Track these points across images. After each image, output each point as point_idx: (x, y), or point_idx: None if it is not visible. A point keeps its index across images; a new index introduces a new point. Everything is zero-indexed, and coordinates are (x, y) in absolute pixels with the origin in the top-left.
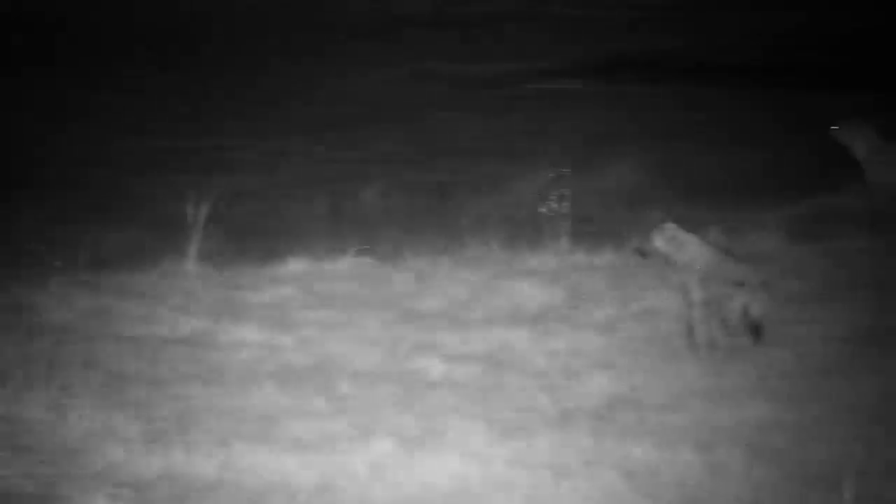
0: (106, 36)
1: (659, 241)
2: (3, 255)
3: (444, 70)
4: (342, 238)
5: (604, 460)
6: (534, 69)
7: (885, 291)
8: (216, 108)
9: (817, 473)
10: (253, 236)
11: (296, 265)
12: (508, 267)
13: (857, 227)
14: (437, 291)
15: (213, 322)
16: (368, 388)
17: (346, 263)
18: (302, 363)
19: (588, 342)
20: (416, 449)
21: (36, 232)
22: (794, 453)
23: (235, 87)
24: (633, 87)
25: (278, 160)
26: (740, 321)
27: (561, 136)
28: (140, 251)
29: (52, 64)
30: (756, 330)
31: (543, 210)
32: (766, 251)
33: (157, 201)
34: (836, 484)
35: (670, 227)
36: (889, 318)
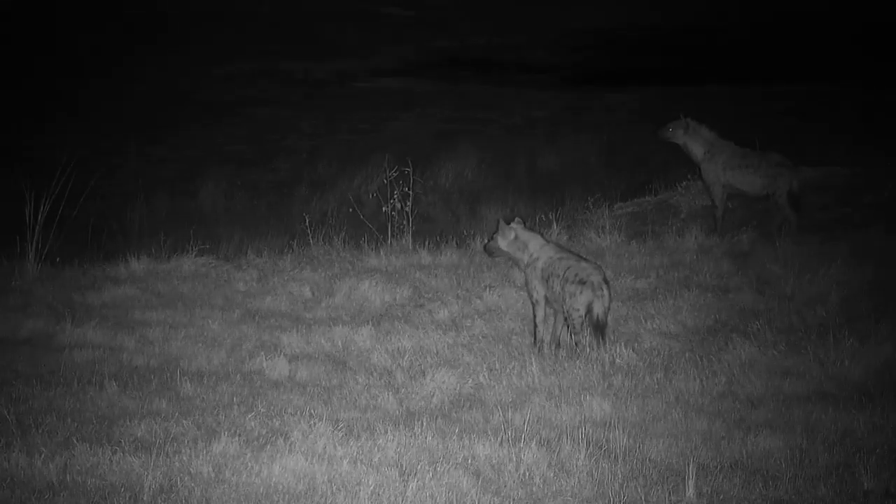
0: None
1: (502, 240)
2: None
3: (285, 68)
4: (183, 238)
5: (450, 459)
6: (374, 67)
7: (720, 289)
8: (48, 110)
9: (660, 469)
10: (93, 236)
11: (137, 265)
12: (352, 266)
13: (693, 224)
14: (279, 291)
15: (53, 323)
16: (212, 388)
17: (187, 263)
18: (144, 363)
19: (433, 341)
20: (260, 449)
21: None
22: (637, 449)
23: (69, 88)
24: (471, 84)
25: (117, 160)
26: (583, 319)
27: (402, 134)
28: None
29: None
30: (599, 327)
31: (386, 209)
32: (604, 248)
33: None
34: (678, 479)
35: (513, 226)
36: (724, 314)
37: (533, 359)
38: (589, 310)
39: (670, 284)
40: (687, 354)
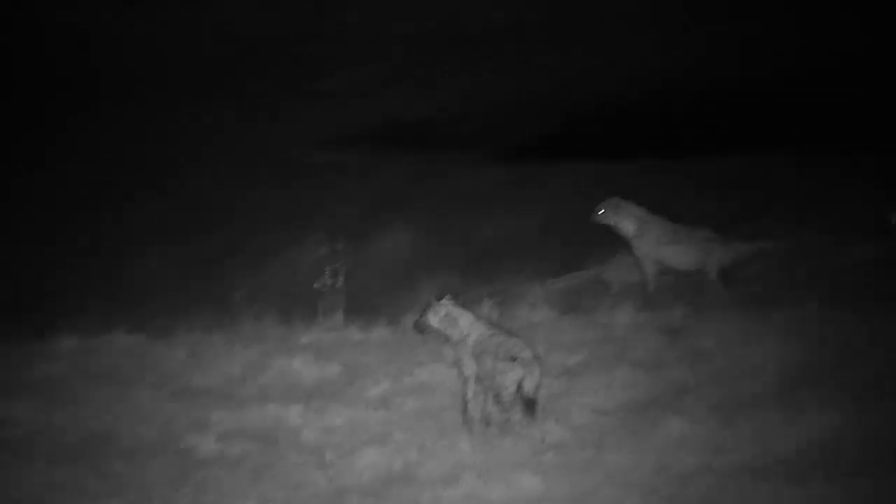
0: None
1: (433, 317)
2: None
3: (218, 140)
4: (115, 314)
5: None
6: (309, 140)
7: (652, 364)
8: None
9: None
10: (25, 312)
11: (68, 341)
12: (282, 342)
13: (625, 300)
14: (210, 367)
15: None
16: (142, 465)
17: (118, 340)
18: (74, 440)
19: (363, 418)
20: None
21: None
22: None
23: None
24: (406, 157)
25: (48, 234)
26: (514, 396)
27: (335, 208)
28: None
29: None
30: (529, 404)
31: (318, 285)
32: (536, 324)
33: None
34: None
35: (444, 303)
36: (656, 389)
37: (464, 436)
38: (520, 387)
39: (602, 360)
40: (618, 430)
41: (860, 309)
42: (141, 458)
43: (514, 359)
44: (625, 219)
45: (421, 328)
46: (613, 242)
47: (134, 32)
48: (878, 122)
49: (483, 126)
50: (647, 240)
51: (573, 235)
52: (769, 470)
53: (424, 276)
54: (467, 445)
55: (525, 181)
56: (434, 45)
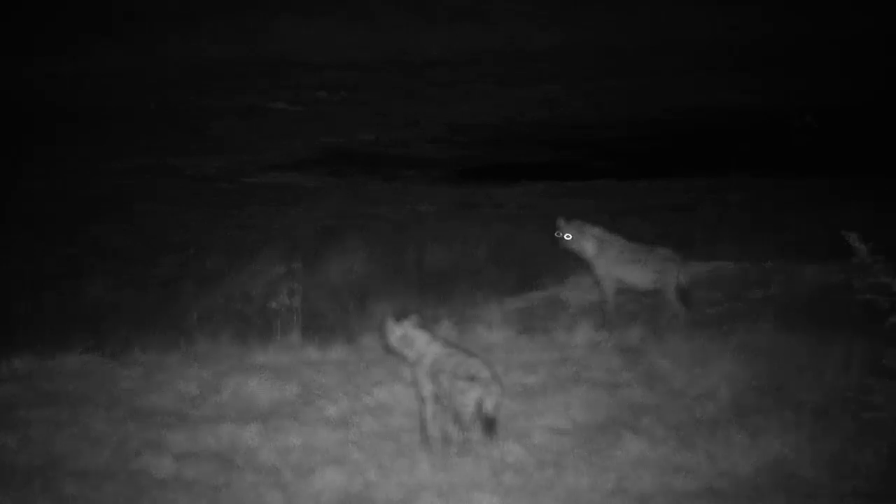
0: None
1: (392, 337)
2: None
3: (172, 164)
4: (69, 334)
5: None
6: (263, 163)
7: (610, 384)
8: None
9: None
10: None
11: (21, 363)
12: (239, 362)
13: (583, 320)
14: (165, 388)
15: None
16: (96, 487)
17: (72, 361)
18: (26, 463)
19: (321, 438)
20: None
21: None
22: None
23: None
24: (359, 179)
25: (1, 257)
26: (473, 416)
27: (290, 229)
28: None
29: None
30: (490, 424)
31: (274, 304)
32: (494, 344)
33: None
34: None
35: (405, 323)
36: (614, 409)
37: (423, 456)
38: (479, 406)
39: (560, 380)
40: (577, 451)
41: (816, 330)
42: (95, 480)
43: (472, 378)
44: (586, 240)
45: (386, 349)
46: (570, 262)
47: (81, 68)
48: (833, 146)
49: (436, 149)
50: (607, 259)
51: (529, 255)
52: (728, 491)
53: (381, 295)
54: (426, 465)
55: (480, 202)
56: (386, 72)
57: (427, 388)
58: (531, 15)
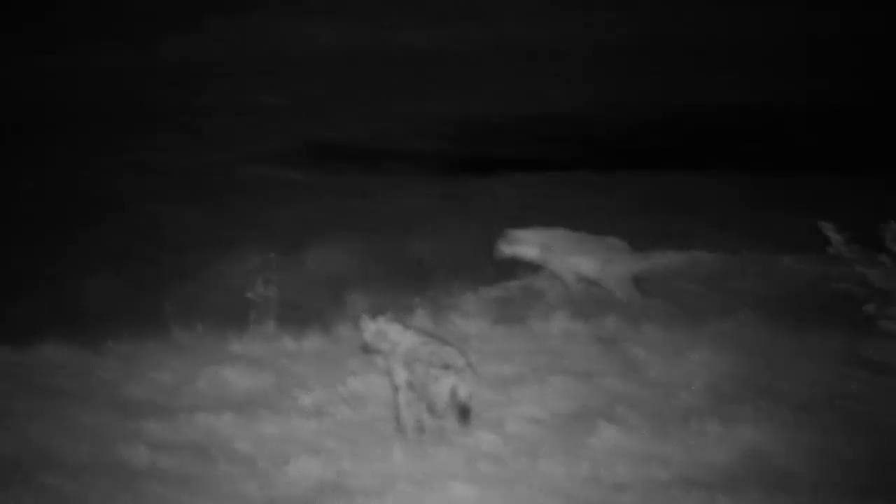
0: None
1: (366, 334)
2: None
3: (155, 159)
4: (45, 325)
5: None
6: (243, 156)
7: (586, 373)
8: None
9: None
10: None
11: None
12: (215, 353)
13: (558, 309)
14: (141, 378)
15: None
16: (73, 478)
17: (48, 351)
18: (3, 454)
19: (296, 427)
20: None
21: None
22: None
23: None
24: (339, 173)
25: None
26: (447, 404)
27: (268, 220)
28: None
29: None
30: (463, 412)
31: (250, 295)
32: (469, 334)
33: None
34: None
35: (376, 319)
36: (590, 398)
37: (398, 445)
38: (453, 394)
39: (536, 369)
40: (552, 440)
41: (793, 321)
42: (72, 471)
43: (447, 367)
44: (524, 247)
45: (368, 349)
46: None
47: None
48: (814, 139)
49: (416, 144)
50: (556, 254)
51: None
52: (703, 481)
53: (358, 285)
54: (401, 454)
55: (457, 193)
56: (370, 65)
57: (401, 377)
58: (522, 10)
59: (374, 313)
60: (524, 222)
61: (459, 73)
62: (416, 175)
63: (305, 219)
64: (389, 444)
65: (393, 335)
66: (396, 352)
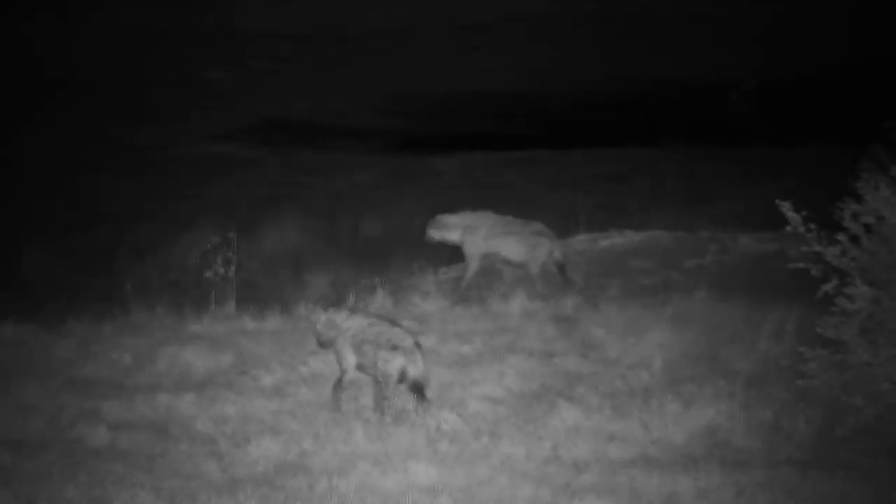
0: None
1: (318, 326)
2: None
3: (108, 133)
4: (3, 304)
5: None
6: (197, 134)
7: (545, 353)
8: None
9: None
10: None
11: None
12: (174, 332)
13: (518, 290)
14: (100, 358)
15: None
16: (31, 457)
17: (7, 330)
18: None
19: (256, 407)
20: None
21: None
22: None
23: None
24: (294, 149)
25: None
26: (396, 383)
27: (225, 199)
28: None
29: None
30: (418, 390)
31: (209, 275)
32: (429, 314)
33: None
34: None
35: (327, 311)
36: (549, 378)
37: (358, 425)
38: (403, 374)
39: (495, 349)
40: (512, 419)
41: (749, 300)
42: (30, 450)
43: (395, 347)
44: (447, 232)
45: (323, 343)
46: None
47: (13, 38)
48: (768, 117)
49: (373, 119)
50: (477, 235)
51: None
52: (661, 458)
53: (316, 266)
54: (362, 434)
55: (414, 172)
56: (323, 41)
57: (349, 360)
58: None
59: (332, 298)
60: (469, 201)
61: (408, 49)
62: (368, 151)
63: (259, 195)
64: (350, 425)
65: (339, 321)
66: (346, 335)
